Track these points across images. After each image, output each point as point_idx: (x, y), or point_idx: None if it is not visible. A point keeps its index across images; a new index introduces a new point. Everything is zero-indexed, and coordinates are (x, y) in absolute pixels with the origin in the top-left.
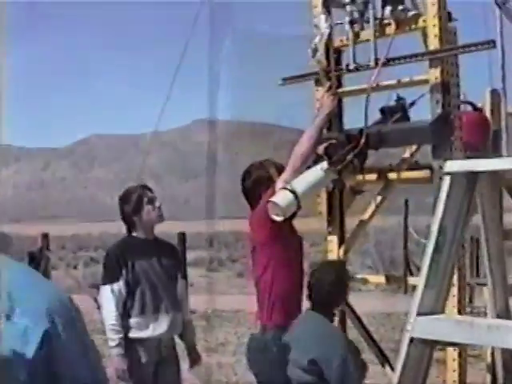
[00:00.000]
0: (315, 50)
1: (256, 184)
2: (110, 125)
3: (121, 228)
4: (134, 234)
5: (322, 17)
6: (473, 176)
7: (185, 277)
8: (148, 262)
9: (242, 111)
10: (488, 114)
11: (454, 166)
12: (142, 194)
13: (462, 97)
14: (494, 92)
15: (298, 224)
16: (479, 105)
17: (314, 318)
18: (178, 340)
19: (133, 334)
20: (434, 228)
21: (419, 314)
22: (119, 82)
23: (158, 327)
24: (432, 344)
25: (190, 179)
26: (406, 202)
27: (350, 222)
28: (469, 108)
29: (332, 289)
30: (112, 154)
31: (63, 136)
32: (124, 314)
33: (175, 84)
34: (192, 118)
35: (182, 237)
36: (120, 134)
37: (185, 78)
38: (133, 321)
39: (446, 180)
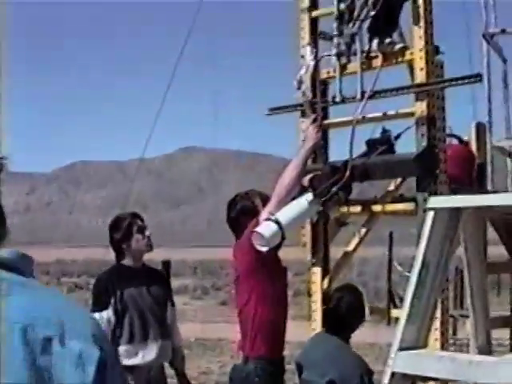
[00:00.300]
0: (300, 82)
1: (241, 214)
2: (96, 151)
3: (106, 254)
4: (123, 261)
5: (308, 48)
6: (456, 211)
7: (174, 304)
8: (137, 290)
9: (229, 139)
10: (474, 147)
11: (437, 201)
12: (132, 222)
13: (447, 130)
14: (479, 125)
15: (282, 253)
16: (465, 138)
17: (329, 339)
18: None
19: (122, 362)
20: (417, 263)
21: (401, 348)
22: (107, 107)
23: (147, 355)
24: (413, 379)
25: (176, 206)
26: (391, 234)
27: (335, 252)
28: (455, 141)
29: (351, 312)
30: (98, 179)
31: (50, 161)
32: (113, 342)
33: (162, 111)
34: (178, 146)
35: (167, 264)
36: (106, 160)
37: (172, 105)
38: (122, 349)
39: (430, 215)
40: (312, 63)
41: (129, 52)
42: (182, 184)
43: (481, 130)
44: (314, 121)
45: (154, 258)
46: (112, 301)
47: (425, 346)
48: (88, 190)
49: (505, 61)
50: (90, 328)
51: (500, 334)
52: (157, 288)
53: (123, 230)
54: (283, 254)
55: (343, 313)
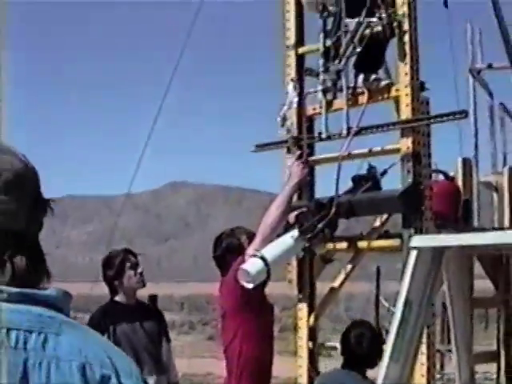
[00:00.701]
0: (284, 119)
1: (227, 252)
2: (83, 185)
3: (92, 289)
4: (117, 298)
5: (291, 85)
6: (439, 251)
7: (170, 340)
8: (130, 327)
9: (216, 175)
10: (460, 182)
11: (420, 240)
12: (124, 258)
13: (433, 166)
14: (465, 161)
15: (269, 287)
16: (451, 173)
17: (349, 375)
18: None
19: None
20: (400, 302)
21: None
22: (93, 143)
23: None
24: None
25: (162, 241)
26: (378, 269)
27: (321, 287)
28: (441, 177)
29: (374, 348)
30: (85, 214)
31: None
32: None
33: (149, 146)
34: (165, 181)
35: (154, 299)
36: (93, 194)
37: (159, 140)
38: None
39: (413, 254)
40: (295, 99)
41: (112, 92)
42: (168, 219)
43: (467, 165)
44: (299, 157)
45: (141, 292)
46: (105, 337)
47: (408, 383)
48: (74, 224)
49: (491, 95)
50: (134, 368)
51: (488, 368)
52: (151, 324)
53: (116, 267)
54: (270, 288)
55: (366, 349)
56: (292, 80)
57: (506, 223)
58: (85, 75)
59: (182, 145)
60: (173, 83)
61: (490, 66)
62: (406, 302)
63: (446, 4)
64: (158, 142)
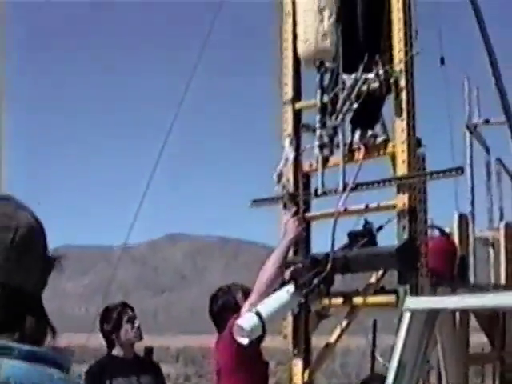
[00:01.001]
0: (280, 175)
1: (223, 309)
2: (80, 235)
3: (88, 340)
4: (114, 351)
5: (287, 140)
6: (434, 313)
7: None
8: (127, 381)
9: (213, 227)
10: (456, 238)
11: (414, 302)
12: (121, 312)
13: (429, 221)
14: (461, 217)
15: (265, 341)
16: (447, 229)
17: None
18: None
19: None
20: (393, 363)
21: None
22: (91, 194)
23: None
24: None
25: (159, 293)
26: (375, 323)
27: (317, 342)
28: (436, 232)
29: None
30: (81, 265)
31: None
32: None
33: (146, 197)
34: (163, 232)
35: (149, 352)
36: (90, 245)
37: (157, 191)
38: None
39: (406, 316)
40: (291, 155)
41: (112, 143)
42: (165, 271)
43: (463, 221)
44: (295, 214)
45: (137, 345)
46: None
47: None
48: (71, 275)
49: (488, 151)
50: None
51: None
52: (148, 379)
53: (113, 321)
54: (266, 342)
55: None
56: (288, 136)
57: (503, 279)
58: (83, 130)
59: (179, 196)
60: (173, 136)
61: (486, 122)
62: (400, 363)
63: (442, 61)
64: (156, 193)
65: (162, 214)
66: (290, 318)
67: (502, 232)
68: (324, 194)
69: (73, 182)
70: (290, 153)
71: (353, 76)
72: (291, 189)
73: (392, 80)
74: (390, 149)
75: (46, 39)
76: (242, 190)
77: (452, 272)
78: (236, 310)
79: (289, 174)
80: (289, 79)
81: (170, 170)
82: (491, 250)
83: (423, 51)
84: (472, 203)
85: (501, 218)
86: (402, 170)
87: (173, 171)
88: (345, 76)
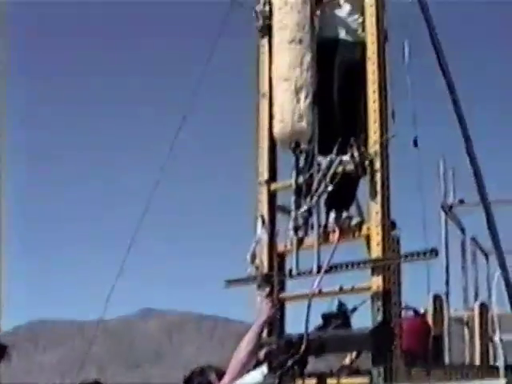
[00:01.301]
0: (253, 256)
1: None
2: (55, 308)
3: None
4: None
5: (260, 222)
6: None
7: None
8: None
9: (190, 302)
10: (430, 318)
11: None
12: None
13: (403, 302)
14: (436, 297)
15: None
16: (421, 309)
17: None
18: None
19: None
20: None
21: None
22: (66, 268)
23: None
24: None
25: (134, 368)
26: None
27: None
28: (411, 312)
29: None
30: (57, 339)
31: (6, 319)
32: None
33: (123, 273)
34: (138, 307)
35: None
36: (65, 319)
37: (132, 267)
38: None
39: None
40: (264, 236)
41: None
42: (140, 346)
43: (437, 301)
44: (269, 294)
45: None
46: None
47: None
48: (46, 349)
49: (463, 231)
50: None
51: None
52: None
53: None
54: None
55: None
56: (261, 217)
57: (477, 359)
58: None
59: (154, 272)
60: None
61: (461, 202)
62: None
63: (415, 144)
64: (131, 269)
65: (136, 290)
66: None
67: (477, 312)
68: (298, 275)
69: (54, 260)
70: (262, 234)
71: (328, 158)
72: (265, 269)
73: (367, 162)
74: (364, 231)
75: None
76: (218, 266)
77: (426, 352)
78: None
79: (262, 255)
80: (264, 160)
81: (144, 246)
82: (466, 330)
83: (398, 133)
84: (447, 283)
85: (476, 298)
86: (376, 252)
87: (147, 247)
88: (320, 158)
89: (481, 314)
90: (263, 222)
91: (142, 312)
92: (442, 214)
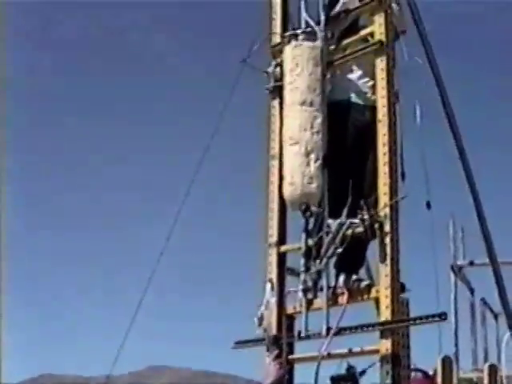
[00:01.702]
0: (261, 319)
1: None
2: (64, 363)
3: None
4: None
5: (268, 285)
6: None
7: None
8: None
9: (198, 359)
10: (439, 380)
11: None
12: None
13: (412, 364)
14: (445, 359)
15: None
16: (431, 371)
17: None
18: None
19: None
20: None
21: None
22: (74, 323)
23: None
24: None
25: None
26: None
27: None
28: (420, 375)
29: None
30: None
31: (12, 373)
32: None
33: (131, 329)
34: (145, 364)
35: None
36: (73, 374)
37: (139, 325)
38: None
39: None
40: (273, 300)
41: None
42: None
43: (447, 363)
44: (277, 357)
45: None
46: None
47: None
48: None
49: (472, 292)
50: None
51: None
52: None
53: None
54: None
55: None
56: (270, 281)
57: None
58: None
59: (163, 330)
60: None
61: (471, 263)
62: None
63: (428, 206)
64: (139, 327)
65: (144, 346)
66: None
67: (486, 373)
68: (307, 337)
69: (58, 312)
70: (270, 297)
71: (338, 221)
72: (273, 332)
73: (377, 225)
74: (373, 294)
75: None
76: (227, 324)
77: None
78: None
79: (271, 318)
80: (274, 222)
81: (154, 304)
82: None
83: (408, 193)
84: (456, 344)
85: (485, 360)
86: (385, 315)
87: (157, 305)
88: (330, 220)
89: (490, 375)
90: (272, 285)
91: (150, 369)
92: (452, 274)
